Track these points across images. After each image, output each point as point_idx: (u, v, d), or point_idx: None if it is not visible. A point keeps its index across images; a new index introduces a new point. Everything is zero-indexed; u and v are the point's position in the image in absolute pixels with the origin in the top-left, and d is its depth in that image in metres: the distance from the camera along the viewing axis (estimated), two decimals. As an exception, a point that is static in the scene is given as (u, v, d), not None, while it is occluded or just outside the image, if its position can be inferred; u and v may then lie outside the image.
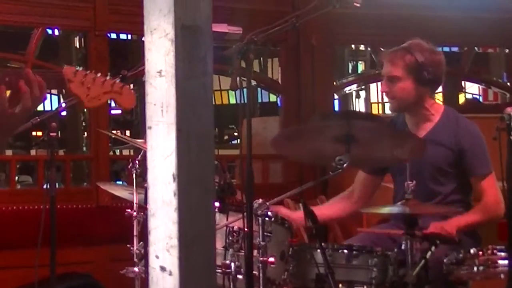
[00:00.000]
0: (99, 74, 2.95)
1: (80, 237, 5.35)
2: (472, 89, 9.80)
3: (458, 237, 4.68)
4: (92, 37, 6.70)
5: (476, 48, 8.32)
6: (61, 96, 10.15)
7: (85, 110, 6.97)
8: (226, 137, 9.95)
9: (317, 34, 7.09)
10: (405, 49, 5.00)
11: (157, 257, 1.88)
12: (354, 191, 5.27)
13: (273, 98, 8.21)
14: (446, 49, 8.59)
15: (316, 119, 5.55)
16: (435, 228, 4.65)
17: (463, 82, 8.96)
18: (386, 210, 4.67)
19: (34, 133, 8.98)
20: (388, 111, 6.70)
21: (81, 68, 2.93)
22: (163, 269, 1.89)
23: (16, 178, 6.81)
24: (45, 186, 5.80)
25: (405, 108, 5.08)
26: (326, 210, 5.22)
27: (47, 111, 8.49)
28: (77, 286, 5.59)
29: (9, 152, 7.85)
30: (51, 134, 5.05)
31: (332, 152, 4.43)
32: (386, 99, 8.08)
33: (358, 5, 4.57)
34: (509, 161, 4.16)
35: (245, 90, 4.26)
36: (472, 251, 4.46)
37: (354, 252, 4.52)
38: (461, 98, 9.05)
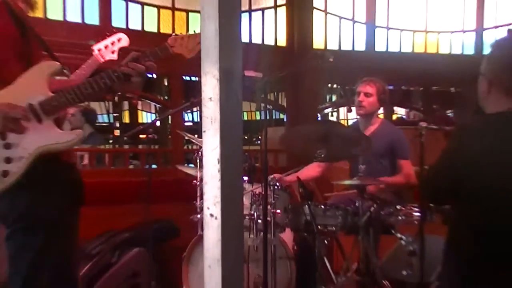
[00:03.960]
0: (188, 33, 2.87)
1: (165, 198, 5.35)
2: (400, 111, 9.74)
3: (390, 197, 4.70)
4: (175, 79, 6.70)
5: (403, 86, 8.29)
6: (156, 114, 10.10)
7: (170, 122, 6.92)
8: (254, 139, 9.88)
9: (309, 78, 7.06)
10: (376, 80, 5.10)
11: (208, 208, 1.87)
12: (318, 165, 5.29)
13: (282, 116, 8.15)
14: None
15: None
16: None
17: (394, 108, 8.89)
18: (347, 182, 4.64)
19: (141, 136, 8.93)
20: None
21: (177, 34, 2.87)
22: (212, 215, 1.89)
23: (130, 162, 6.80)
24: (146, 167, 5.82)
25: (368, 114, 5.11)
26: (306, 172, 5.26)
27: (148, 122, 8.50)
28: (163, 227, 5.61)
29: (126, 146, 7.86)
30: (149, 136, 5.08)
31: (315, 148, 4.43)
32: (350, 116, 8.02)
33: (331, 60, 4.56)
34: (421, 153, 4.15)
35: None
36: (398, 207, 4.45)
37: (327, 207, 4.51)
38: (394, 117, 8.99)
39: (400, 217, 4.43)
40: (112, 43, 3.73)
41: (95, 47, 3.70)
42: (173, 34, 2.94)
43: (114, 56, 3.73)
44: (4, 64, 2.54)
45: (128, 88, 2.80)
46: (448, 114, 8.69)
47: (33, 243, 2.55)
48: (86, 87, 2.63)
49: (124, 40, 3.78)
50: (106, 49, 3.71)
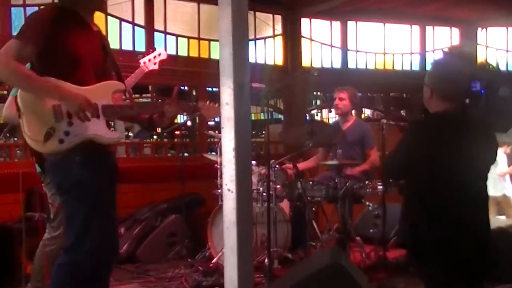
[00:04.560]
0: (213, 104, 2.87)
1: (194, 177, 5.33)
2: (367, 111, 9.70)
3: (360, 175, 4.66)
4: (200, 89, 6.66)
5: (368, 94, 8.25)
6: (187, 116, 10.05)
7: (196, 121, 6.87)
8: (259, 134, 9.84)
9: (299, 87, 6.99)
10: (349, 88, 5.02)
11: (226, 184, 1.86)
12: (318, 156, 5.24)
13: (280, 116, 8.08)
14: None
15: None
16: (350, 172, 4.62)
17: (363, 109, 8.85)
18: (329, 162, 4.61)
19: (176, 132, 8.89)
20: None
21: (207, 102, 2.87)
22: (229, 190, 1.87)
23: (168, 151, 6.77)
24: (180, 155, 5.80)
25: (344, 114, 5.05)
26: (305, 164, 5.20)
27: (181, 122, 8.48)
28: (193, 199, 5.59)
29: (165, 139, 7.82)
30: (182, 132, 5.04)
31: (304, 139, 4.41)
32: (330, 115, 7.99)
33: (316, 74, 4.54)
34: (382, 142, 4.14)
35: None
36: (366, 182, 4.43)
37: (314, 183, 4.50)
38: (362, 116, 8.95)
39: (368, 190, 4.40)
40: (154, 57, 3.68)
41: (141, 60, 3.66)
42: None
43: (156, 67, 3.69)
44: (89, 74, 2.56)
45: (162, 123, 2.83)
46: (402, 114, 8.67)
47: (81, 208, 2.50)
48: (137, 107, 2.70)
49: (163, 55, 3.73)
50: (149, 62, 3.66)
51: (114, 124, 2.89)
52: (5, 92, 5.84)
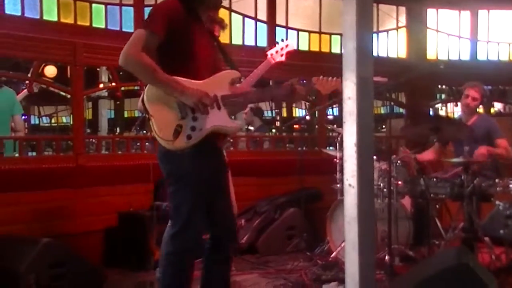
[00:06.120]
0: (329, 78, 2.81)
1: (312, 172, 5.34)
2: (497, 106, 9.13)
3: (490, 172, 4.41)
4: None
5: (500, 86, 7.76)
6: (306, 110, 10.10)
7: (316, 116, 6.85)
8: (379, 128, 9.60)
9: (423, 80, 6.73)
10: (480, 84, 4.82)
11: (347, 179, 1.86)
12: (435, 149, 5.02)
13: (401, 110, 7.83)
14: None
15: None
16: (479, 151, 4.41)
17: (493, 103, 8.34)
18: (455, 160, 4.41)
19: (295, 126, 8.93)
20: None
21: (321, 76, 2.83)
22: (350, 185, 1.87)
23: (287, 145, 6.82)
24: (299, 149, 5.83)
25: (472, 112, 4.83)
26: (422, 156, 4.96)
27: (301, 116, 8.53)
28: (311, 193, 5.61)
29: (284, 134, 7.88)
30: (301, 126, 5.06)
31: (428, 135, 4.27)
32: (456, 109, 7.64)
33: (442, 67, 4.37)
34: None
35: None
36: (496, 180, 4.18)
37: (438, 179, 4.34)
38: (492, 110, 8.43)
39: (498, 188, 4.16)
40: (281, 49, 3.66)
41: (268, 52, 3.67)
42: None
43: (283, 59, 3.67)
44: (203, 68, 2.65)
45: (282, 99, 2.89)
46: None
47: (189, 198, 2.58)
48: (252, 95, 2.77)
49: (291, 46, 3.70)
50: (276, 53, 3.65)
51: (235, 117, 2.98)
52: (136, 88, 6.25)
